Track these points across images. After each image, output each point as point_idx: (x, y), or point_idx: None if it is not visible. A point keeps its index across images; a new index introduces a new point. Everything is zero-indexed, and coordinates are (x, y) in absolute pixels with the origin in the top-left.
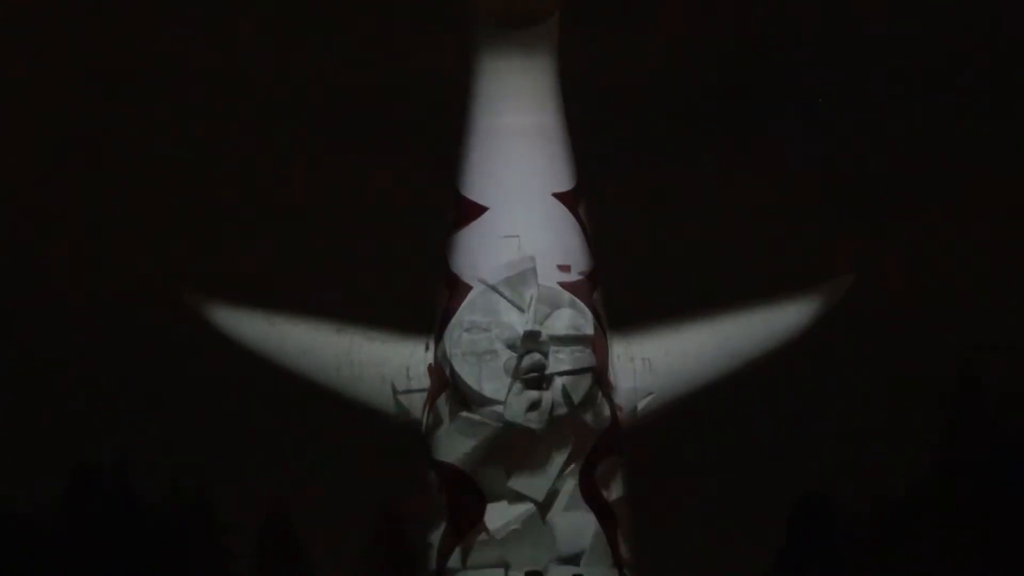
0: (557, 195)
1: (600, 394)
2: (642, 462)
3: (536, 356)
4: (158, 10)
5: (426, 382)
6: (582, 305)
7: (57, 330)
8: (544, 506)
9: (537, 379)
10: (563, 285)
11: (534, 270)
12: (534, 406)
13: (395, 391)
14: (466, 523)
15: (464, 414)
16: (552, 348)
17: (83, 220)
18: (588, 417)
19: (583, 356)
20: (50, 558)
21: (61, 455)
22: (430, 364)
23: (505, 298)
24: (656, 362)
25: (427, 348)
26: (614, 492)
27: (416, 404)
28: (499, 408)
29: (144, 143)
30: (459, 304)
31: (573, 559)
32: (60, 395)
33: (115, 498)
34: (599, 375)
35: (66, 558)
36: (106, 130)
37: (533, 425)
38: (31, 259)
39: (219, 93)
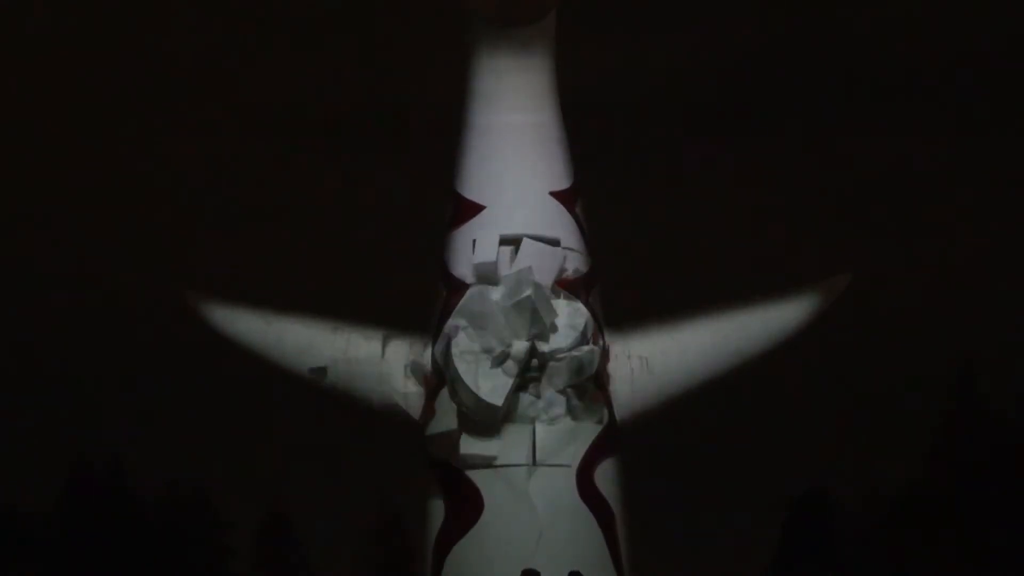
0: (554, 194)
1: (598, 393)
2: (640, 462)
3: (534, 355)
4: (163, 16)
5: (424, 381)
6: (579, 304)
7: (56, 329)
8: (543, 506)
9: (535, 378)
10: (561, 284)
11: (532, 268)
12: (532, 406)
13: (393, 390)
14: (464, 522)
15: (461, 413)
16: (550, 348)
17: (81, 221)
18: (586, 417)
19: (581, 355)
20: (50, 556)
21: (59, 454)
22: (428, 362)
23: (502, 297)
24: (653, 361)
25: (425, 347)
26: (612, 492)
27: (414, 403)
28: (496, 407)
29: (145, 145)
30: (456, 302)
31: (572, 559)
32: (58, 394)
33: (113, 496)
34: (597, 374)
35: (66, 556)
36: (108, 132)
37: (530, 425)
38: (30, 260)
39: (217, 95)
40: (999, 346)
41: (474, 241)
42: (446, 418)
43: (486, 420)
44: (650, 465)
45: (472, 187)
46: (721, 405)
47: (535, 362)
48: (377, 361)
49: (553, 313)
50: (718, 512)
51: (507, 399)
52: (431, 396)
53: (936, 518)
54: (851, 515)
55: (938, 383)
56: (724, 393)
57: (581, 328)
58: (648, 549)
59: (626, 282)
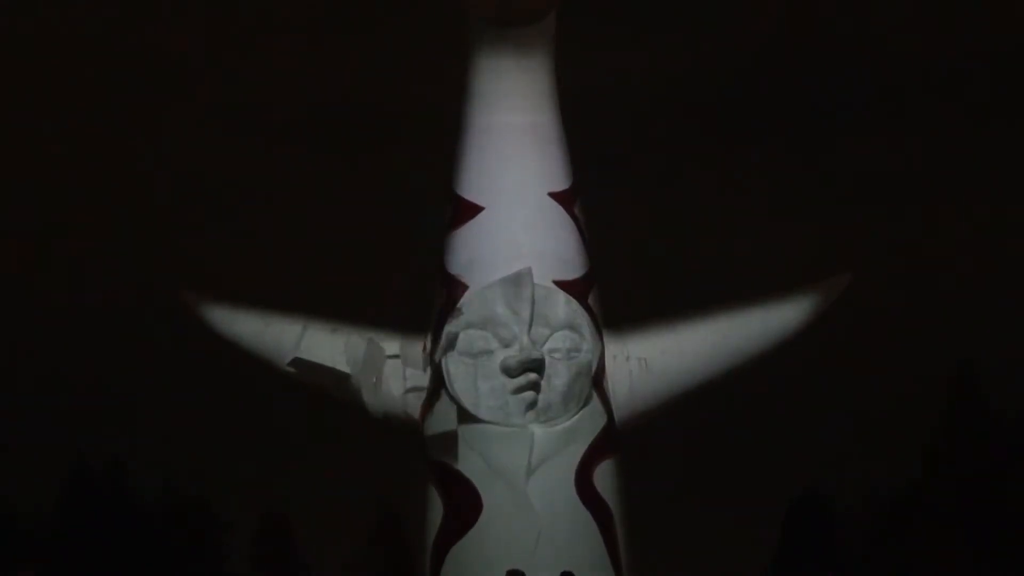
0: (553, 194)
1: (596, 394)
2: (640, 462)
3: (533, 356)
4: (166, 18)
5: (422, 382)
6: (578, 304)
7: (56, 331)
8: (541, 506)
9: (534, 380)
10: (559, 284)
11: (531, 269)
12: (530, 407)
13: (392, 390)
14: (462, 523)
15: (460, 415)
16: (548, 348)
17: (81, 221)
18: (585, 417)
19: (580, 356)
20: (50, 556)
21: (59, 454)
22: (427, 363)
23: (501, 299)
24: (652, 362)
25: (423, 348)
26: (611, 492)
27: (412, 404)
28: (495, 409)
29: (143, 146)
30: (455, 303)
31: (570, 560)
32: (58, 395)
33: (113, 497)
34: (595, 376)
35: (66, 556)
36: (108, 132)
37: (529, 426)
38: (29, 260)
39: (217, 95)
40: (999, 346)
41: (473, 245)
42: (445, 418)
43: (485, 422)
44: (650, 465)
45: (471, 188)
46: (721, 405)
47: (535, 363)
48: (376, 362)
49: (552, 314)
50: (718, 512)
51: (506, 400)
52: (430, 396)
53: (936, 518)
54: (851, 515)
55: (938, 383)
56: (724, 393)
57: (580, 329)
58: (648, 549)
59: (625, 282)
